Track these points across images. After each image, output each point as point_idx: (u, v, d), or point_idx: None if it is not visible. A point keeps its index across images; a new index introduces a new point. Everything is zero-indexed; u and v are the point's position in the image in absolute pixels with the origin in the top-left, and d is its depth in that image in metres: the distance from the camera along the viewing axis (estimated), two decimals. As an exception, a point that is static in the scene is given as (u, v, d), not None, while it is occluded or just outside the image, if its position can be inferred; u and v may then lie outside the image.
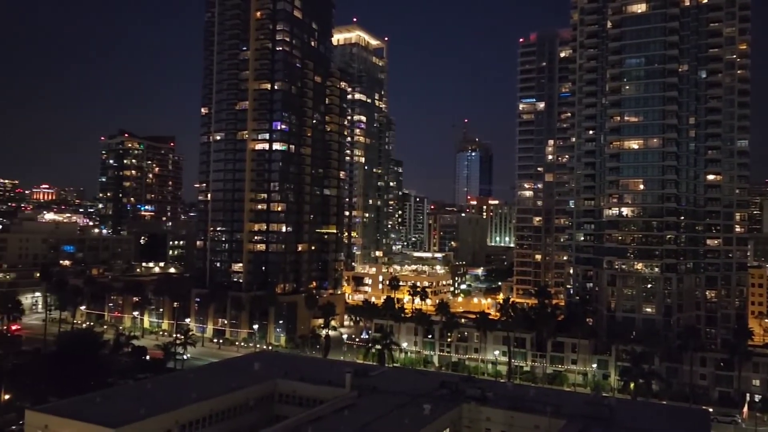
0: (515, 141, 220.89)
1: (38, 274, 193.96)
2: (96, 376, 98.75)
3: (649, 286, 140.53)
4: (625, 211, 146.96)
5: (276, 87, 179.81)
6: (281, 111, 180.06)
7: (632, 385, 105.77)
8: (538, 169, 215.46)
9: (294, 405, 76.94)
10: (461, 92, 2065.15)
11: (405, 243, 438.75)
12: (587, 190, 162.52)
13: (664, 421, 72.13)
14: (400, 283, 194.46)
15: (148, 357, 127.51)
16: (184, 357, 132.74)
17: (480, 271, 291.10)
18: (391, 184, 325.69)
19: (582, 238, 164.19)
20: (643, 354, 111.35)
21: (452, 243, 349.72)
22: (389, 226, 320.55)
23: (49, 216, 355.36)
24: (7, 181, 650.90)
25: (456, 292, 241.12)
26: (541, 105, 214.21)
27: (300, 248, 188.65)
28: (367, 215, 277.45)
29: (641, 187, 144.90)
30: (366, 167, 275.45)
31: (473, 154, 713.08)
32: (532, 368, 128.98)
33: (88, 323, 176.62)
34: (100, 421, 59.66)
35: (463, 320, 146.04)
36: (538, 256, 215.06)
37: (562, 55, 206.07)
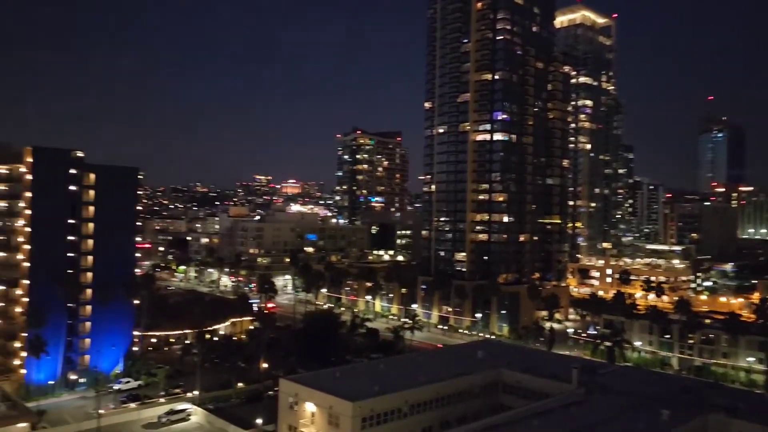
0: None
1: (288, 259, 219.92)
2: (336, 353, 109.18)
3: None
4: None
5: (497, 77, 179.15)
6: (502, 101, 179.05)
7: None
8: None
9: (518, 396, 76.64)
10: (702, 66, 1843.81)
11: (636, 234, 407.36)
12: None
13: None
14: (632, 277, 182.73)
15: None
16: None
17: (729, 266, 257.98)
18: (620, 171, 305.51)
19: None
20: None
21: (693, 235, 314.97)
22: (618, 216, 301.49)
23: (296, 208, 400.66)
24: (263, 177, 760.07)
25: (698, 289, 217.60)
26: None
27: (522, 238, 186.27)
28: (593, 205, 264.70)
29: None
30: (592, 154, 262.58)
31: (719, 135, 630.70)
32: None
33: (328, 305, 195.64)
34: (341, 395, 66.04)
35: (707, 321, 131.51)
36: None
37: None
